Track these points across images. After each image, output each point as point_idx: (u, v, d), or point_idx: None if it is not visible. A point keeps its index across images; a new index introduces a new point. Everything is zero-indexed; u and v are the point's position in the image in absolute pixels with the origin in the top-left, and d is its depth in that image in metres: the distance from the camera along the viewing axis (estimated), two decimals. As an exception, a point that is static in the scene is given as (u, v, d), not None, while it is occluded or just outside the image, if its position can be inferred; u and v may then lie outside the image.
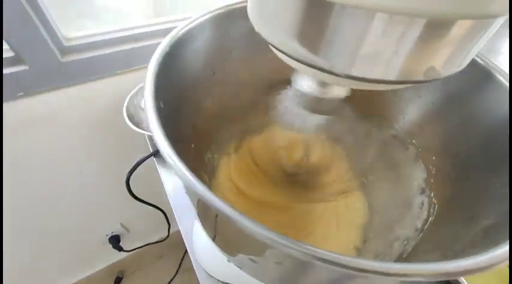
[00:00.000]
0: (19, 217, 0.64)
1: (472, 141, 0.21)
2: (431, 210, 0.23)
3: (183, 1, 0.60)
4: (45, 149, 0.56)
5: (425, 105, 0.26)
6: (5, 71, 0.44)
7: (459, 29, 0.11)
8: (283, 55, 0.14)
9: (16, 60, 0.44)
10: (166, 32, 0.54)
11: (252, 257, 0.18)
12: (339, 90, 0.21)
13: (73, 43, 0.48)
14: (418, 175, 0.27)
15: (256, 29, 0.14)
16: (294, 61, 0.14)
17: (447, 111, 0.23)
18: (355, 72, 0.13)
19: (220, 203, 0.13)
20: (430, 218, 0.23)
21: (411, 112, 0.28)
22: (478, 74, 0.19)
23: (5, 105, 0.46)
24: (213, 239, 0.23)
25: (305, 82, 0.20)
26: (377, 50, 0.12)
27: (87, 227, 0.81)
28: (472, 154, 0.20)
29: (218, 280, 0.34)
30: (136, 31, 0.53)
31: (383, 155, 0.32)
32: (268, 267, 0.19)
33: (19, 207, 0.62)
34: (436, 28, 0.11)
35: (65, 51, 0.48)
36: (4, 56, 0.43)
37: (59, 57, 0.46)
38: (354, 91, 0.20)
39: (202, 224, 0.23)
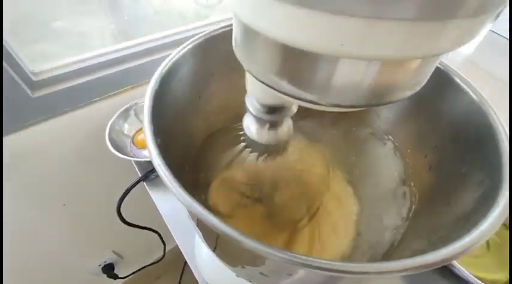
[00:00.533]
0: (7, 257, 0.61)
1: (441, 134, 0.23)
2: (414, 199, 0.26)
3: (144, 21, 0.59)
4: (26, 187, 0.54)
5: (396, 106, 0.28)
6: None
7: (411, 64, 0.13)
8: (271, 89, 0.16)
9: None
10: (134, 55, 0.54)
11: (262, 271, 0.20)
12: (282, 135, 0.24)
13: (42, 77, 0.47)
14: (397, 167, 0.30)
15: (245, 67, 0.16)
16: (281, 94, 0.15)
17: (416, 110, 0.26)
18: (330, 101, 0.15)
19: (220, 224, 0.15)
20: (413, 207, 0.25)
21: (385, 113, 0.31)
22: (439, 77, 0.22)
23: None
24: (218, 255, 0.24)
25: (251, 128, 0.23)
26: (345, 83, 0.14)
27: (77, 260, 0.77)
28: (443, 146, 0.23)
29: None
30: (105, 57, 0.52)
31: (363, 151, 0.35)
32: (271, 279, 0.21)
33: (5, 248, 0.59)
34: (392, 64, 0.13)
35: (35, 86, 0.46)
36: None
37: (30, 93, 0.45)
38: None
39: (205, 241, 0.24)
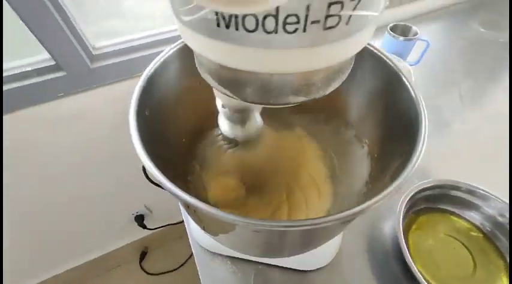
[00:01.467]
0: (66, 199, 0.77)
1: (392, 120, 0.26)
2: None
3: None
4: (77, 142, 0.68)
5: (368, 110, 0.30)
6: (48, 76, 0.54)
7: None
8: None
9: (56, 68, 0.54)
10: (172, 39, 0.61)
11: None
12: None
13: (100, 52, 0.58)
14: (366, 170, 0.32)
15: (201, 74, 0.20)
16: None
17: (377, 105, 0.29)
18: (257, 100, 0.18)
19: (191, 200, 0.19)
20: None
21: (364, 117, 0.32)
22: (391, 76, 0.25)
23: (47, 105, 0.57)
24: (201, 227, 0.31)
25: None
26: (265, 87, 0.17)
27: (115, 207, 0.93)
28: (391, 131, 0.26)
29: (208, 250, 0.41)
30: (155, 38, 0.61)
31: (346, 153, 0.37)
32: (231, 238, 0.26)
33: (62, 192, 0.75)
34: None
35: (94, 58, 0.57)
36: (47, 64, 0.54)
37: (89, 64, 0.56)
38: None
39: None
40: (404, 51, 0.64)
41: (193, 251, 0.43)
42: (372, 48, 0.27)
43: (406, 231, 0.43)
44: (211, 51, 0.15)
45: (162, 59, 0.27)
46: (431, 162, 0.48)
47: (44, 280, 1.01)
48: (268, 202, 0.39)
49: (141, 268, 1.14)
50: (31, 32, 0.48)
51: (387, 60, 0.26)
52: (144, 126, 0.24)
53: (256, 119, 0.28)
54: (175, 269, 1.12)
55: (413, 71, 0.59)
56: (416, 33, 0.63)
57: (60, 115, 0.61)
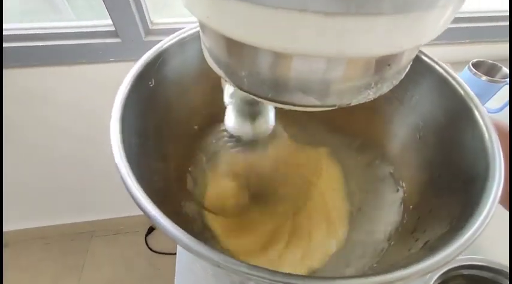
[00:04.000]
0: (94, 156, 0.82)
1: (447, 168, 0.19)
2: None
3: None
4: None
5: (418, 150, 0.23)
6: (106, 40, 0.57)
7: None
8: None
9: (114, 34, 0.57)
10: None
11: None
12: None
13: (156, 27, 0.59)
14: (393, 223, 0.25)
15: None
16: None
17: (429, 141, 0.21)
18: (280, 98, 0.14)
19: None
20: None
21: (408, 154, 0.25)
22: (457, 106, 0.18)
23: (99, 66, 0.60)
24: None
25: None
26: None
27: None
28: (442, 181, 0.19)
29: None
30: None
31: (375, 191, 0.30)
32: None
33: (92, 149, 0.80)
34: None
35: (149, 32, 0.59)
36: (108, 29, 0.57)
37: (143, 36, 0.58)
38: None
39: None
40: (485, 94, 0.53)
41: (177, 246, 0.40)
42: (434, 64, 0.20)
43: (429, 309, 0.34)
44: (214, 13, 0.11)
45: (182, 35, 0.24)
46: (487, 233, 0.38)
47: (59, 224, 1.10)
48: (269, 218, 0.34)
49: (146, 242, 1.17)
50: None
51: (455, 84, 0.19)
52: (145, 97, 0.21)
53: (269, 116, 0.23)
54: (173, 253, 1.13)
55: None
56: (505, 76, 0.52)
57: (108, 78, 0.63)
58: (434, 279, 0.31)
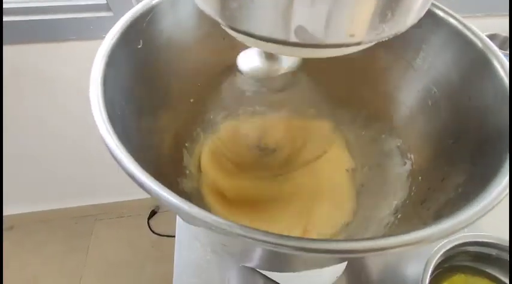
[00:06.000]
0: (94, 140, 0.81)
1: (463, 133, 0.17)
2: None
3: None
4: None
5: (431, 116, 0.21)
6: (98, 14, 0.54)
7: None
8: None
9: (106, 7, 0.54)
10: None
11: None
12: (288, 63, 0.19)
13: (150, -1, 0.56)
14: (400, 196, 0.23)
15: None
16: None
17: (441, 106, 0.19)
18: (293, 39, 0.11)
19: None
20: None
21: (419, 124, 0.24)
22: (473, 59, 0.15)
23: (91, 43, 0.57)
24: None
25: (251, 65, 0.19)
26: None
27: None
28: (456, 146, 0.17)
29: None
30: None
31: (381, 166, 0.28)
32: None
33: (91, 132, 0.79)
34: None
35: (143, 5, 0.56)
36: (99, 2, 0.54)
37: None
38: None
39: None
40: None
41: (176, 223, 0.39)
42: (448, 17, 0.18)
43: (433, 286, 0.33)
44: None
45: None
46: (497, 210, 0.37)
47: (62, 207, 1.11)
48: (270, 192, 0.33)
49: (148, 224, 1.18)
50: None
51: (472, 35, 0.17)
52: (132, 61, 0.19)
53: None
54: (175, 236, 1.14)
55: None
56: (521, 49, 0.49)
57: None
58: (438, 255, 0.31)
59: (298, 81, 0.21)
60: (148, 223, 1.18)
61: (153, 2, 0.21)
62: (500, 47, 0.50)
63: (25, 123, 0.73)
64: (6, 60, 0.58)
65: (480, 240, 0.32)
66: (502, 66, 0.15)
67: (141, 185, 0.13)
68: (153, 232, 1.17)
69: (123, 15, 0.53)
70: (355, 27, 0.10)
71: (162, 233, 1.15)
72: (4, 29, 0.53)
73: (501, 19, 0.67)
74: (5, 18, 0.52)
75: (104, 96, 0.15)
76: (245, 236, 0.11)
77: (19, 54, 0.58)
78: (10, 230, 1.13)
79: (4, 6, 0.51)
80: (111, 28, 0.58)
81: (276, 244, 0.11)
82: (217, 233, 0.11)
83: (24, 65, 0.60)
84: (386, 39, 0.11)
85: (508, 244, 0.31)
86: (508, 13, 0.67)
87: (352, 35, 0.10)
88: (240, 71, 0.20)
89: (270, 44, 0.11)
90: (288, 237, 0.11)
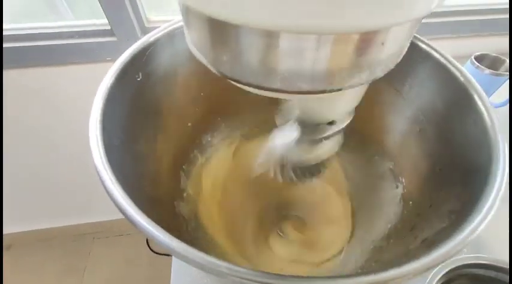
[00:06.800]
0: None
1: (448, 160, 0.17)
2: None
3: None
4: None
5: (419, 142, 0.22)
6: (102, 39, 0.57)
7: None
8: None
9: (110, 33, 0.56)
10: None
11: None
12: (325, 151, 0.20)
13: (152, 25, 0.58)
14: (393, 219, 0.24)
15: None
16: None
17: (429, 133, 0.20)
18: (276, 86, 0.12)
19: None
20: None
21: (410, 148, 0.24)
22: (456, 93, 0.16)
23: (95, 66, 0.60)
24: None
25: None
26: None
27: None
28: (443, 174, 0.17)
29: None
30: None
31: (375, 188, 0.29)
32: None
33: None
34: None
35: (145, 30, 0.58)
36: (103, 28, 0.56)
37: (139, 34, 0.57)
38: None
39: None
40: (488, 87, 0.52)
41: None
42: (432, 51, 0.19)
43: (433, 310, 0.32)
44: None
45: (172, 27, 0.23)
46: (494, 231, 0.36)
47: (61, 226, 1.10)
48: (267, 217, 0.33)
49: (147, 243, 1.16)
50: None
51: (454, 70, 0.18)
52: (132, 92, 0.20)
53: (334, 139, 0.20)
54: (175, 256, 1.12)
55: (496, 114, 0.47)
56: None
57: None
58: (437, 279, 0.30)
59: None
60: (147, 241, 1.16)
61: (152, 39, 0.22)
62: (490, 67, 0.51)
63: (28, 141, 0.74)
64: (16, 82, 0.60)
65: (479, 262, 0.31)
66: (482, 101, 0.16)
67: (134, 223, 0.13)
68: (152, 250, 1.15)
69: (126, 41, 0.55)
70: (334, 78, 0.11)
71: (161, 252, 1.13)
72: (15, 53, 0.55)
73: (490, 38, 0.70)
74: (16, 44, 0.54)
75: (102, 131, 0.16)
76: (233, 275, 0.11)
77: (28, 76, 0.60)
78: (8, 249, 1.11)
79: (14, 32, 0.54)
80: (114, 51, 0.60)
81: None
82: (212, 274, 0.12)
83: (34, 87, 0.62)
84: (366, 84, 0.12)
85: (507, 266, 0.31)
86: (498, 33, 0.69)
87: (331, 83, 0.11)
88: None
89: (257, 89, 0.12)
90: (282, 276, 0.11)
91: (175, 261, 0.38)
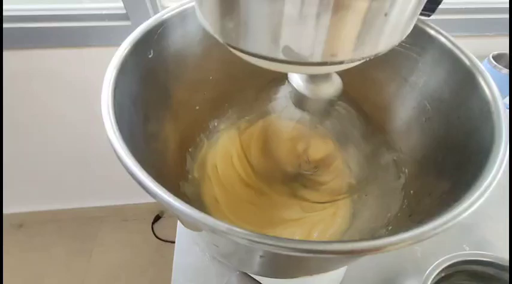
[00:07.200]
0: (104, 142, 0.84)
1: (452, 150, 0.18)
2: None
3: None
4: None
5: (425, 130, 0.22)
6: (117, 23, 0.58)
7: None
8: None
9: (125, 16, 0.57)
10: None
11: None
12: (327, 90, 0.20)
13: (166, 12, 0.59)
14: (392, 209, 0.24)
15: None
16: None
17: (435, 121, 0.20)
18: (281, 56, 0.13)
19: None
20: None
21: (414, 139, 0.24)
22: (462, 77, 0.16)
23: (109, 49, 0.61)
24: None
25: (296, 80, 0.20)
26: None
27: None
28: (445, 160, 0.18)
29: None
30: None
31: (377, 179, 0.29)
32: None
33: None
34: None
35: (159, 17, 0.59)
36: (119, 12, 0.57)
37: (153, 21, 0.58)
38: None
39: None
40: (503, 87, 0.51)
41: (177, 228, 0.40)
42: (437, 35, 0.19)
43: (430, 305, 0.32)
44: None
45: (185, 6, 0.24)
46: (496, 231, 0.36)
47: (70, 208, 1.13)
48: (271, 200, 0.34)
49: (152, 229, 1.19)
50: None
51: (460, 53, 0.18)
52: (143, 68, 0.21)
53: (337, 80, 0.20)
54: (179, 242, 1.14)
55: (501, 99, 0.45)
56: (528, 69, 0.49)
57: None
58: (435, 274, 0.30)
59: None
60: (152, 227, 1.19)
61: (164, 16, 0.23)
62: (508, 67, 0.50)
63: (41, 122, 0.77)
64: (32, 62, 0.62)
65: (479, 259, 0.31)
66: (487, 83, 0.16)
67: (145, 188, 0.14)
68: (156, 237, 1.17)
69: (140, 25, 0.56)
70: (336, 48, 0.11)
71: (166, 239, 1.16)
72: (31, 34, 0.57)
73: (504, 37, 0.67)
74: (32, 25, 0.56)
75: (113, 101, 0.17)
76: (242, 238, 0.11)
77: (44, 57, 0.62)
78: (19, 228, 1.15)
79: (31, 13, 0.56)
80: (128, 36, 0.61)
81: (279, 246, 0.12)
82: (221, 237, 0.12)
83: (44, 68, 0.64)
84: (368, 59, 0.12)
85: (507, 264, 0.31)
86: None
87: (333, 55, 0.11)
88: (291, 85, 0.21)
89: (261, 60, 0.12)
90: (292, 240, 0.12)
91: (178, 246, 0.39)
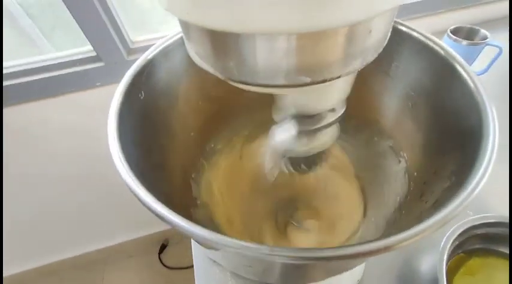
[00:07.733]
0: (96, 182, 0.82)
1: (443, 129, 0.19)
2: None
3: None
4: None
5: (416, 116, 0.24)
6: (89, 66, 0.57)
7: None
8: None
9: (97, 59, 0.57)
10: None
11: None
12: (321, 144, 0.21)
13: (137, 45, 0.59)
14: (401, 191, 0.25)
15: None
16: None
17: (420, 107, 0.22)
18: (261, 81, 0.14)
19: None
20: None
21: (407, 125, 0.26)
22: (440, 67, 0.18)
23: (86, 92, 0.60)
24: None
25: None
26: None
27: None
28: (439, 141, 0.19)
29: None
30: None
31: (378, 167, 0.30)
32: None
33: (94, 173, 0.79)
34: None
35: (131, 51, 0.59)
36: (90, 55, 0.57)
37: (125, 56, 0.58)
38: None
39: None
40: (467, 57, 0.54)
41: (193, 252, 0.40)
42: (412, 32, 0.20)
43: (451, 274, 0.34)
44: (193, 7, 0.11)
45: (164, 44, 0.24)
46: (494, 190, 0.38)
47: (70, 256, 1.09)
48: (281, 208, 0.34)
49: (160, 260, 1.16)
50: (78, 25, 0.51)
51: (435, 46, 0.20)
52: (137, 109, 0.21)
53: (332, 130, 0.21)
54: (190, 267, 1.12)
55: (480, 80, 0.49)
56: (485, 37, 0.53)
57: (97, 103, 0.63)
58: (450, 243, 0.32)
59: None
60: (159, 258, 1.16)
61: (149, 57, 0.23)
62: (466, 38, 0.54)
63: (28, 180, 0.74)
64: (10, 120, 0.60)
65: (486, 221, 0.33)
66: (465, 70, 0.18)
67: (170, 222, 0.14)
68: (165, 266, 1.14)
69: (113, 64, 0.56)
70: (331, 68, 0.12)
71: (175, 266, 1.13)
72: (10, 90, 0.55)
73: (462, 11, 0.73)
74: (9, 82, 0.54)
75: (120, 146, 0.17)
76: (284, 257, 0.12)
77: (21, 113, 0.60)
78: (21, 289, 1.09)
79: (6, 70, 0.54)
80: (104, 76, 0.60)
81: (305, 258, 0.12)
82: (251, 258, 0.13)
83: (27, 123, 0.62)
84: (360, 68, 0.13)
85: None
86: (468, 5, 0.72)
87: (330, 73, 0.12)
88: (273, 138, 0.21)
89: (260, 87, 0.13)
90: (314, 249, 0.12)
91: (197, 272, 0.39)
